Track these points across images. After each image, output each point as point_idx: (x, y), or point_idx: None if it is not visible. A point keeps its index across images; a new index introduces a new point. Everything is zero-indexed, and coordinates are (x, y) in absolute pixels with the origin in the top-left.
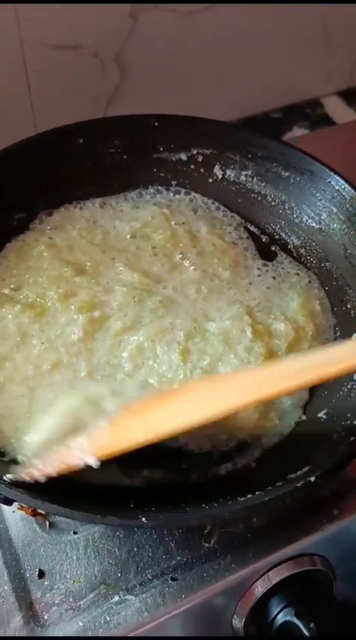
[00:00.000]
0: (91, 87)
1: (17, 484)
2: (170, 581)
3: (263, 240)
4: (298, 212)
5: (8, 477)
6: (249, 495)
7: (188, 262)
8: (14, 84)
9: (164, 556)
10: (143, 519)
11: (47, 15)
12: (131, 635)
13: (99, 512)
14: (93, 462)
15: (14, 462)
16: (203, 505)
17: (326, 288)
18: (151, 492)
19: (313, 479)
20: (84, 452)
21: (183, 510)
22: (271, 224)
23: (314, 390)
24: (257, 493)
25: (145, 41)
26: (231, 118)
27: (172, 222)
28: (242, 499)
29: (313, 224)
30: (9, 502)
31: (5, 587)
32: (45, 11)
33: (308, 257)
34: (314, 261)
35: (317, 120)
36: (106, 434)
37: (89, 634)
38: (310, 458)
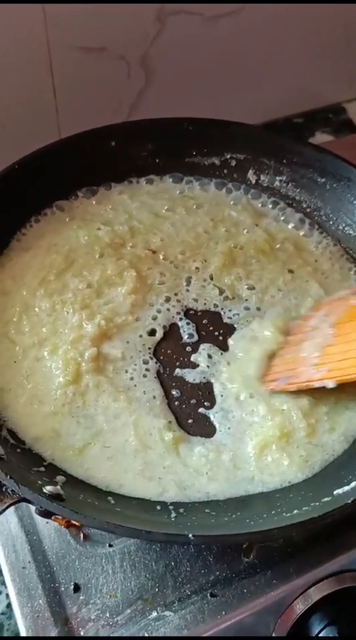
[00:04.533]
0: (116, 90)
1: (57, 497)
2: (209, 597)
3: None
4: (335, 219)
5: (48, 489)
6: (295, 511)
7: None
8: (40, 85)
9: (202, 571)
10: (190, 535)
11: (75, 18)
12: None
13: (144, 528)
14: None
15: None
16: (248, 520)
17: None
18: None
19: None
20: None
21: (227, 525)
22: None
23: None
24: (304, 509)
25: (170, 45)
26: (253, 122)
27: None
28: (288, 514)
29: (351, 232)
30: (48, 515)
31: (40, 601)
32: (73, 14)
33: None
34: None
35: (340, 126)
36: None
37: None
38: None
